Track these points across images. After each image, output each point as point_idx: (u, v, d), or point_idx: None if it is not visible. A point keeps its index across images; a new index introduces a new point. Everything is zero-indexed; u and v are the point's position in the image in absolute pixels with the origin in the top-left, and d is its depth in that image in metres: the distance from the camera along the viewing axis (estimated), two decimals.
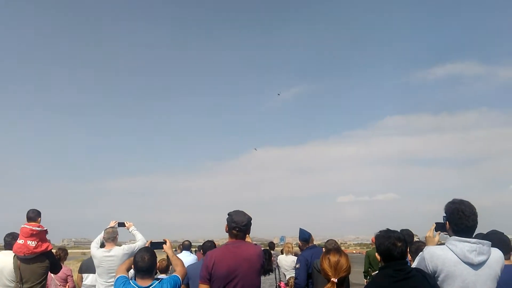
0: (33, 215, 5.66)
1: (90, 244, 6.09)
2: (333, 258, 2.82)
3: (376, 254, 3.03)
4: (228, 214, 3.88)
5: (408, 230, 5.74)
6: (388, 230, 2.97)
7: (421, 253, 3.10)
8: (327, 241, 6.39)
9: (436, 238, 3.33)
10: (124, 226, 6.11)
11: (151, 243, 4.33)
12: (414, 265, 3.06)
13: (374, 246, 10.32)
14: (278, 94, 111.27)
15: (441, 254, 2.89)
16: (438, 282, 2.86)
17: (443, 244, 3.07)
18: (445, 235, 3.20)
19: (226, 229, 3.90)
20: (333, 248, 3.39)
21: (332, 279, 2.73)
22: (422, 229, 3.45)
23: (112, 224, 6.01)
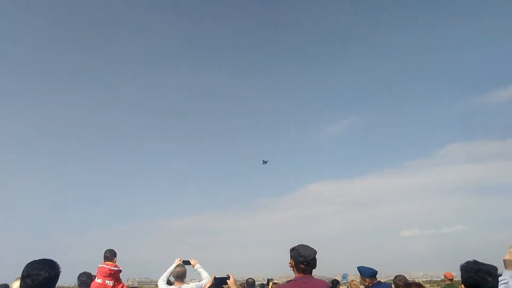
0: (110, 255, 6.01)
1: (153, 284, 6.28)
2: None
3: (462, 286, 2.90)
4: (294, 249, 3.82)
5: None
6: (476, 262, 2.83)
7: (503, 280, 2.94)
8: (396, 276, 6.12)
9: None
10: (189, 264, 6.26)
11: (215, 278, 4.41)
12: None
13: (448, 282, 9.74)
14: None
15: None
16: None
17: None
18: None
19: (291, 264, 3.84)
20: (414, 282, 3.27)
21: None
22: (496, 261, 3.23)
23: (177, 262, 6.18)
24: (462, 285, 2.90)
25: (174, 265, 6.15)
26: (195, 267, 6.26)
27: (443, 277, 10.21)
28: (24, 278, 2.55)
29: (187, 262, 6.25)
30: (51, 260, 2.68)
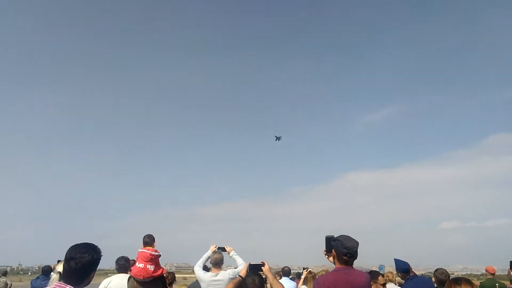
0: (149, 240, 6.19)
1: (190, 269, 6.39)
2: None
3: None
4: (336, 239, 3.73)
5: None
6: None
7: None
8: (437, 270, 5.95)
9: None
10: (225, 250, 6.28)
11: (250, 265, 4.43)
12: None
13: (489, 276, 9.43)
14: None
15: None
16: None
17: None
18: None
19: (332, 255, 3.77)
20: (463, 278, 3.14)
21: None
22: None
23: (212, 248, 6.22)
24: None
25: (210, 251, 6.20)
26: (230, 254, 6.28)
27: (483, 271, 9.87)
28: (68, 260, 2.61)
29: (222, 249, 6.27)
30: (93, 244, 2.77)
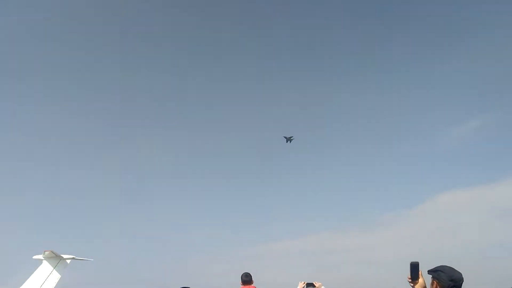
0: (247, 279, 6.48)
1: None
2: None
3: None
4: (439, 270, 3.62)
5: None
6: None
7: None
8: None
9: None
10: (314, 286, 6.30)
11: None
12: None
13: None
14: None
15: None
16: None
17: None
18: None
19: (417, 282, 3.68)
20: None
21: None
22: None
23: (301, 285, 6.26)
24: None
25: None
26: None
27: None
28: None
29: (311, 285, 6.31)
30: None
